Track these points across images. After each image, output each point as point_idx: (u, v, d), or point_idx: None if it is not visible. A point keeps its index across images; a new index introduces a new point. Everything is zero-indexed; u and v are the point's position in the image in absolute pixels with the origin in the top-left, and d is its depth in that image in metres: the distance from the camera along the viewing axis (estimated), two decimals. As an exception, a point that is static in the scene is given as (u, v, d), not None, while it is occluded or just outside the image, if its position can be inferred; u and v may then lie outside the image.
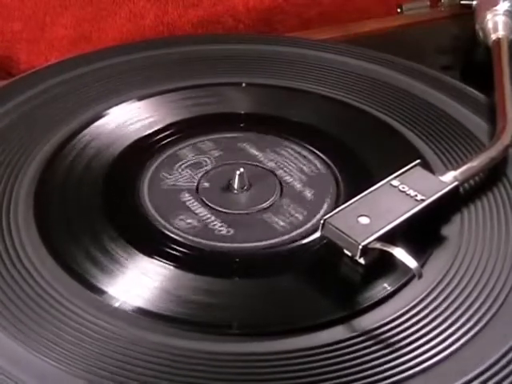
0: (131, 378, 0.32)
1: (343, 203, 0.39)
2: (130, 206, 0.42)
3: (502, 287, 0.37)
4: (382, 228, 0.37)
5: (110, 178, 0.44)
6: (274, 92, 0.52)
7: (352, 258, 0.38)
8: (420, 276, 0.35)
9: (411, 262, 0.35)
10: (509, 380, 0.33)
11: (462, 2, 0.64)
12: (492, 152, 0.44)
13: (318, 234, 0.39)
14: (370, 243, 0.37)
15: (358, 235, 0.37)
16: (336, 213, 0.38)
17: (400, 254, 0.36)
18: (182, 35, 0.68)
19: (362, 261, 0.37)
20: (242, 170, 0.43)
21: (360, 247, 0.36)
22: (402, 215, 0.38)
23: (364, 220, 0.38)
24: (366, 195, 0.40)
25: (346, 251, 0.38)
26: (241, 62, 0.56)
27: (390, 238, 0.37)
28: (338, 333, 0.35)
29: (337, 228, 0.37)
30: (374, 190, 0.40)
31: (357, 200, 0.39)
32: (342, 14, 0.71)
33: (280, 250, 0.40)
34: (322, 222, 0.38)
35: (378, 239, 0.37)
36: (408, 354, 0.34)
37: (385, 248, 0.36)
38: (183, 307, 0.36)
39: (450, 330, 0.35)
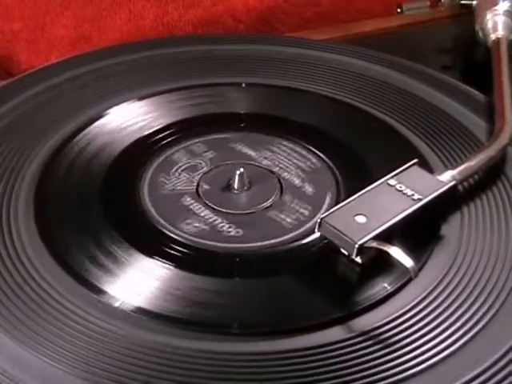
0: (131, 377, 0.32)
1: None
2: (130, 206, 0.42)
3: (502, 287, 0.37)
4: (379, 227, 0.37)
5: (110, 177, 0.44)
6: (274, 92, 0.52)
7: (349, 258, 0.38)
8: (416, 275, 0.35)
9: (407, 261, 0.35)
10: (508, 381, 0.33)
11: (461, 2, 0.64)
12: (490, 151, 0.44)
13: (317, 234, 0.39)
14: (366, 242, 0.37)
15: (354, 234, 0.37)
16: (333, 212, 0.38)
17: (396, 252, 0.36)
18: (181, 35, 0.68)
19: (358, 260, 0.38)
20: (241, 169, 0.43)
21: (356, 246, 0.36)
22: (398, 214, 0.38)
23: (361, 219, 0.38)
24: (363, 194, 0.40)
25: (343, 250, 0.38)
26: (241, 62, 0.56)
27: (387, 237, 0.37)
28: (337, 333, 0.35)
29: (333, 227, 0.37)
30: (371, 189, 0.40)
31: (354, 199, 0.39)
32: (341, 14, 0.71)
33: (280, 250, 0.40)
34: (318, 220, 0.38)
35: (375, 238, 0.37)
36: (407, 355, 0.34)
37: (381, 247, 0.36)
38: (183, 307, 0.36)
39: (449, 331, 0.35)
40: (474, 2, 0.62)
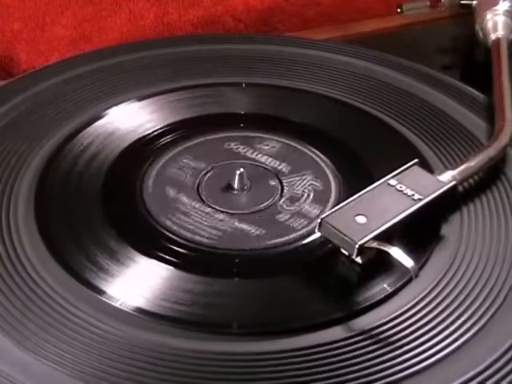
0: (130, 378, 0.33)
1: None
2: (130, 206, 0.42)
3: (501, 287, 0.37)
4: (379, 227, 0.37)
5: (109, 177, 0.44)
6: (274, 92, 0.52)
7: (349, 258, 0.38)
8: (416, 275, 0.35)
9: (407, 261, 0.35)
10: (507, 380, 0.33)
11: (461, 2, 0.64)
12: (490, 151, 0.44)
13: (317, 234, 0.39)
14: (366, 242, 0.37)
15: (354, 234, 0.37)
16: (333, 212, 0.39)
17: (396, 253, 0.36)
18: (181, 35, 0.68)
19: (358, 260, 0.38)
20: (242, 169, 0.43)
21: (356, 246, 0.36)
22: (398, 214, 0.38)
23: (361, 219, 0.38)
24: (363, 194, 0.40)
25: (343, 250, 0.38)
26: (241, 62, 0.56)
27: (387, 237, 0.37)
28: (337, 333, 0.35)
29: (334, 227, 0.38)
30: (372, 189, 0.40)
31: (354, 199, 0.39)
32: (341, 14, 0.71)
33: (280, 250, 0.40)
34: (319, 221, 0.38)
35: (375, 238, 0.37)
36: (407, 354, 0.34)
37: (381, 247, 0.36)
38: (183, 307, 0.36)
39: (448, 331, 0.35)
40: (474, 2, 0.62)
